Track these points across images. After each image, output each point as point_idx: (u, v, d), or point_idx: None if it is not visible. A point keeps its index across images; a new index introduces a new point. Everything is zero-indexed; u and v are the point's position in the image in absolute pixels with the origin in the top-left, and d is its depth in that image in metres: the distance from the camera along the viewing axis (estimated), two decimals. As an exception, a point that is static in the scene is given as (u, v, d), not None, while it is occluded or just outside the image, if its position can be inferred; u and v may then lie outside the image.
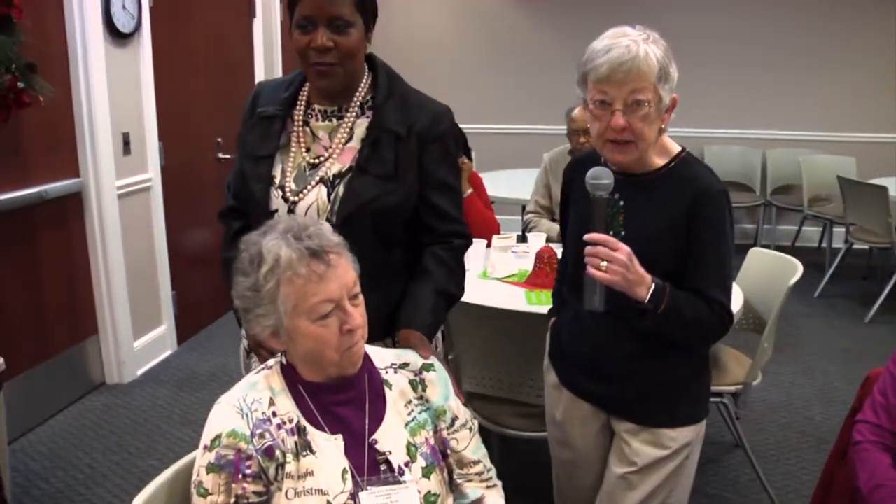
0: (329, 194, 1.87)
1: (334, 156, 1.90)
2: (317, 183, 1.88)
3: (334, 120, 1.93)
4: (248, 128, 1.99)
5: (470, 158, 3.93)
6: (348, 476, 1.51)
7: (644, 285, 1.74)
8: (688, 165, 1.87)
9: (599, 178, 1.76)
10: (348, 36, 1.81)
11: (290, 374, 1.58)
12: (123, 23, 4.15)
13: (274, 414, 1.52)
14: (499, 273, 3.23)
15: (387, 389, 1.64)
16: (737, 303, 2.91)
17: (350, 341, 1.52)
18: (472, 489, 1.70)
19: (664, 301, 1.75)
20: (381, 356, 1.68)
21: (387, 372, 1.66)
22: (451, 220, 1.98)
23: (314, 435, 1.53)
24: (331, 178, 1.89)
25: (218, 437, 1.47)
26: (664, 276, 1.78)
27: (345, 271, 1.52)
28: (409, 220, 1.96)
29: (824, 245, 6.59)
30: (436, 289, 1.93)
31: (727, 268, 1.86)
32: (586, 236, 1.75)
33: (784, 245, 6.84)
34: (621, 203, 1.87)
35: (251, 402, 1.52)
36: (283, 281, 1.47)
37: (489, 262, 3.31)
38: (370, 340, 1.67)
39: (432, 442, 1.64)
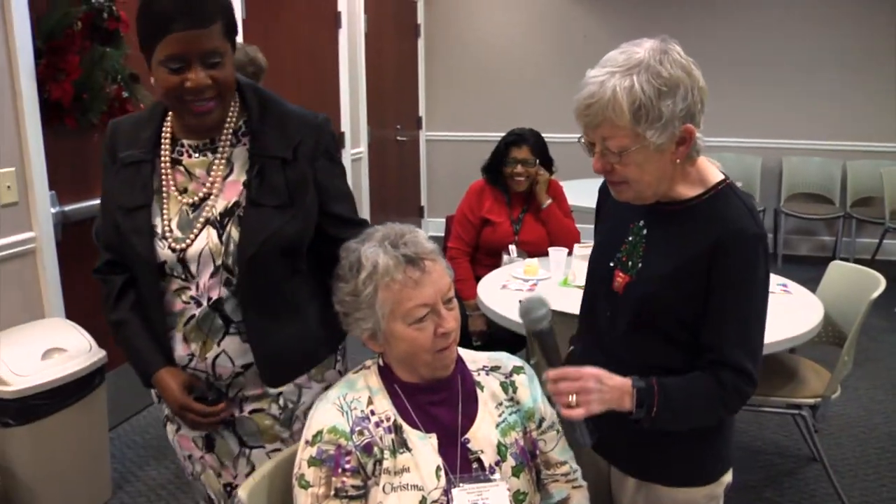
0: (220, 235, 1.73)
1: (215, 193, 1.74)
2: (203, 226, 1.73)
3: (208, 154, 1.76)
4: (111, 175, 1.78)
5: (551, 170, 3.96)
6: (442, 473, 1.60)
7: (626, 394, 1.57)
8: (723, 200, 1.62)
9: (530, 312, 1.61)
10: (223, 68, 1.64)
11: (386, 375, 1.68)
12: (218, 34, 4.32)
13: (372, 412, 1.61)
14: (580, 281, 3.27)
15: (479, 391, 1.71)
16: (817, 316, 2.93)
17: (444, 343, 1.61)
18: (559, 489, 1.76)
19: (654, 403, 1.56)
20: (474, 358, 1.76)
21: (479, 374, 1.74)
22: (353, 225, 1.87)
23: (410, 433, 1.61)
24: (218, 218, 1.73)
25: (319, 432, 1.58)
26: (676, 325, 1.63)
27: (440, 276, 1.61)
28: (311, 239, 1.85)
29: (907, 259, 6.46)
30: None
31: (753, 325, 1.62)
32: (544, 376, 1.59)
33: (863, 258, 6.72)
34: (644, 232, 1.69)
35: (350, 401, 1.62)
36: (380, 286, 1.58)
37: (570, 269, 3.37)
38: (290, 377, 1.86)
39: (522, 443, 1.70)
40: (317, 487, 1.56)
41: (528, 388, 1.76)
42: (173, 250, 1.73)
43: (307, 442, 1.59)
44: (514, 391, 1.74)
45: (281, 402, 1.87)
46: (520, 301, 1.63)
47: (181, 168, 1.76)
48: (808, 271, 5.03)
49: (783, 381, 3.15)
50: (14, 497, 2.99)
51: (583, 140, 1.61)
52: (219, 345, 1.79)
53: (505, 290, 3.31)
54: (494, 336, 3.73)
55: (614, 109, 1.49)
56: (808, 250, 7.16)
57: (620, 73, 1.49)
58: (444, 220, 4.10)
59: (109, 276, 1.85)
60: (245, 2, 4.64)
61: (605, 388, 1.55)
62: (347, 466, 1.56)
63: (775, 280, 3.35)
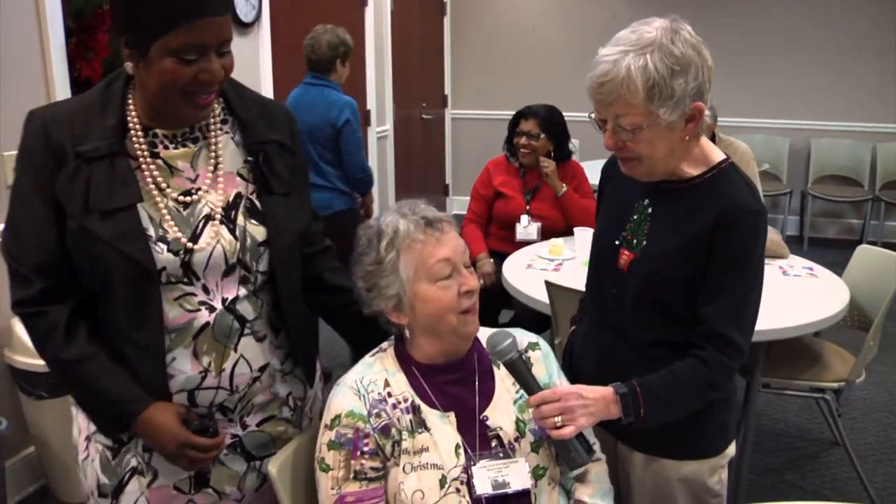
0: (232, 231, 1.59)
1: (205, 187, 1.58)
2: (204, 224, 1.57)
3: (189, 144, 1.58)
4: (63, 177, 1.48)
5: (564, 149, 3.99)
6: (461, 451, 1.62)
7: (611, 402, 1.61)
8: (724, 179, 1.67)
9: (496, 346, 1.63)
10: (230, 56, 1.51)
11: (403, 356, 1.70)
12: (245, 12, 4.36)
13: (389, 394, 1.63)
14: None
15: (495, 368, 1.73)
16: (842, 300, 2.93)
17: (468, 302, 1.62)
18: None
19: (640, 404, 1.62)
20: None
21: None
22: (317, 219, 1.83)
23: (428, 413, 1.63)
24: (222, 213, 1.59)
25: (337, 416, 1.60)
26: (680, 301, 1.67)
27: (457, 239, 1.66)
28: None
29: (937, 242, 6.40)
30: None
31: (747, 302, 1.66)
32: (525, 403, 1.64)
33: (892, 242, 6.67)
34: (649, 210, 1.73)
35: (367, 384, 1.64)
36: (402, 249, 1.61)
37: (595, 249, 3.37)
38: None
39: None
40: (336, 470, 1.59)
41: (544, 364, 1.77)
42: (175, 253, 1.53)
43: (326, 426, 1.62)
44: (530, 367, 1.75)
45: (291, 402, 1.80)
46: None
47: (160, 161, 1.55)
48: (835, 254, 5.01)
49: (807, 364, 3.15)
50: (48, 465, 3.09)
51: (593, 117, 1.64)
52: (236, 350, 1.64)
53: (530, 270, 3.33)
54: (520, 316, 3.75)
55: (628, 88, 1.52)
56: (835, 233, 7.11)
57: (634, 52, 1.52)
58: (468, 198, 4.15)
59: (45, 307, 1.53)
60: (272, -20, 4.64)
61: (588, 401, 1.60)
62: (366, 449, 1.58)
63: (801, 263, 3.35)
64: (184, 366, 1.59)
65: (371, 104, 6.04)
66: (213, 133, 1.60)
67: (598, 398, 1.61)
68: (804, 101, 6.84)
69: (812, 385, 3.09)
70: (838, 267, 3.42)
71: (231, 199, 1.60)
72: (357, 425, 1.58)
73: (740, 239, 1.61)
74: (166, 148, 1.56)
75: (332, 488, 1.59)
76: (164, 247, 1.52)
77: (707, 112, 1.60)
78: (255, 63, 4.57)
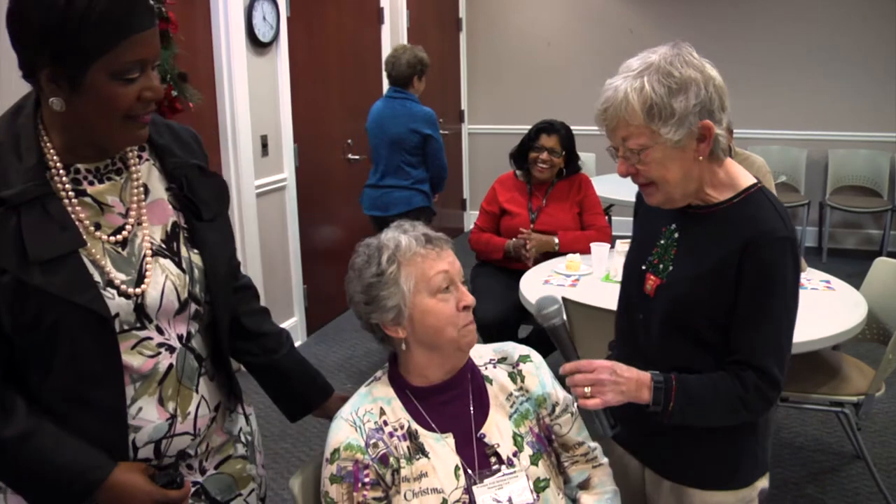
0: (178, 264, 1.49)
1: (133, 220, 1.44)
2: (141, 259, 1.44)
3: (114, 177, 1.44)
4: None
5: (575, 166, 4.05)
6: (461, 472, 1.64)
7: (644, 386, 1.62)
8: (753, 203, 1.66)
9: (542, 309, 1.66)
10: (155, 74, 1.38)
11: (397, 382, 1.72)
12: (263, 32, 4.41)
13: (385, 423, 1.66)
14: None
15: (488, 385, 1.76)
16: (860, 312, 2.92)
17: (466, 318, 1.66)
18: (580, 470, 1.79)
19: (672, 397, 1.61)
20: (480, 352, 1.80)
21: (486, 368, 1.79)
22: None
23: (426, 437, 1.66)
24: (163, 247, 1.48)
25: (336, 450, 1.62)
26: (707, 327, 1.66)
27: (453, 257, 1.70)
28: None
29: (957, 253, 6.36)
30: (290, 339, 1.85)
31: (780, 329, 1.64)
32: (561, 370, 1.65)
33: (913, 252, 6.64)
34: (676, 235, 1.73)
35: (363, 415, 1.67)
36: (403, 262, 1.64)
37: (612, 265, 3.39)
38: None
39: (537, 430, 1.75)
40: (341, 503, 1.61)
41: (536, 376, 1.79)
42: (127, 297, 1.40)
43: (327, 460, 1.64)
44: (523, 380, 1.78)
45: (243, 438, 1.73)
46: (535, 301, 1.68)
47: (87, 199, 1.40)
48: (854, 266, 4.98)
49: (826, 378, 3.14)
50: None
51: (608, 147, 1.67)
52: (197, 391, 1.54)
53: (547, 286, 3.35)
54: (536, 333, 3.77)
55: (626, 110, 1.56)
56: (854, 244, 7.07)
57: (632, 77, 1.57)
58: (484, 213, 4.20)
59: None
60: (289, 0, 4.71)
61: (620, 379, 1.60)
62: (367, 480, 1.61)
63: (818, 276, 3.35)
64: (150, 415, 1.46)
65: (388, 120, 6.08)
66: (132, 162, 1.46)
67: (632, 379, 1.61)
68: (821, 111, 6.82)
69: (831, 399, 3.08)
70: (858, 278, 3.42)
71: (169, 229, 1.49)
72: (356, 457, 1.61)
73: (770, 266, 1.60)
74: (91, 184, 1.41)
75: None
76: (114, 292, 1.39)
77: (718, 131, 1.59)
78: (273, 82, 4.63)
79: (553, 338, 1.68)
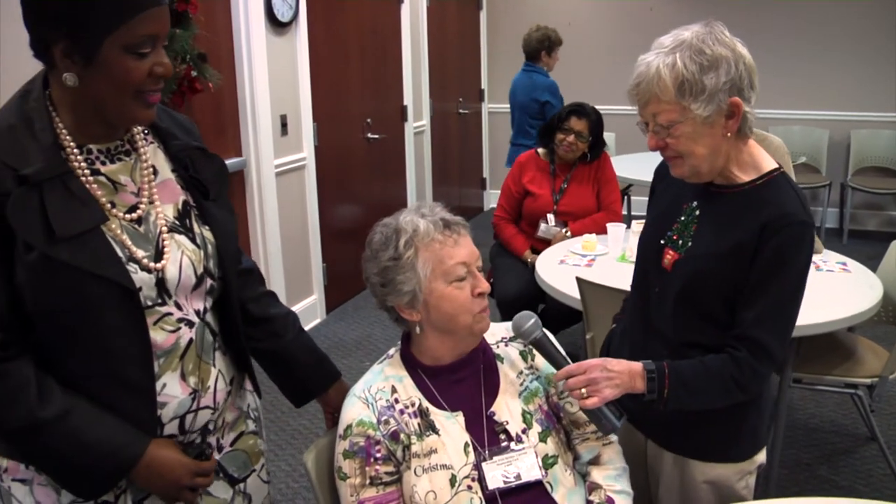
0: (192, 240, 1.52)
1: (146, 199, 1.47)
2: (158, 235, 1.47)
3: (124, 157, 1.47)
4: (15, 205, 1.31)
5: (600, 151, 4.07)
6: (470, 449, 1.68)
7: (637, 376, 1.67)
8: (775, 187, 1.69)
9: (522, 325, 1.72)
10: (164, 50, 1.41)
11: (409, 361, 1.76)
12: (282, 12, 4.43)
13: (396, 401, 1.70)
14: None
15: (499, 363, 1.79)
16: (876, 294, 2.92)
17: (481, 304, 1.69)
18: (590, 447, 1.81)
19: (665, 384, 1.67)
20: (492, 331, 1.81)
21: (498, 346, 1.81)
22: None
23: (436, 414, 1.70)
24: (177, 224, 1.51)
25: (349, 426, 1.67)
26: (720, 304, 1.70)
27: (471, 244, 1.71)
28: None
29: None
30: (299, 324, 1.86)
31: (785, 309, 1.68)
32: (553, 378, 1.73)
33: (935, 234, 6.58)
34: (697, 212, 1.77)
35: (375, 392, 1.71)
36: (421, 247, 1.66)
37: (628, 245, 3.40)
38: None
39: (546, 408, 1.77)
40: (353, 478, 1.65)
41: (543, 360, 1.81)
42: (148, 272, 1.42)
43: (340, 436, 1.68)
44: (533, 358, 1.81)
45: (252, 414, 1.77)
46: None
47: (102, 178, 1.43)
48: (875, 247, 4.95)
49: (840, 359, 3.14)
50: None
51: (638, 121, 1.71)
52: (214, 365, 1.58)
53: (563, 266, 3.36)
54: (551, 309, 3.79)
55: (658, 85, 1.59)
56: (875, 226, 7.02)
57: (665, 53, 1.60)
58: (504, 192, 4.22)
59: (2, 364, 1.36)
60: (309, -21, 4.72)
61: (612, 373, 1.66)
62: (378, 455, 1.64)
63: (835, 258, 3.35)
64: (174, 390, 1.49)
65: (408, 100, 6.11)
66: (140, 143, 1.50)
67: (624, 371, 1.67)
68: (843, 91, 6.75)
69: (845, 380, 3.09)
70: (878, 260, 3.41)
71: (180, 207, 1.53)
72: (368, 433, 1.65)
73: (785, 247, 1.63)
74: (104, 164, 1.44)
75: (352, 495, 1.65)
76: (136, 266, 1.41)
77: (747, 109, 1.64)
78: (292, 62, 4.65)
79: (538, 350, 1.75)
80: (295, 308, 4.81)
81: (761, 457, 1.87)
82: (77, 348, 1.40)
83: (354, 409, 1.68)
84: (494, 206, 4.41)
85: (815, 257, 3.26)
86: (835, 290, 3.00)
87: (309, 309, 5.01)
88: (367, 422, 1.65)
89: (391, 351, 1.81)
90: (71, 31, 1.30)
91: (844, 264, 3.27)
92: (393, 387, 1.71)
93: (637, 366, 1.69)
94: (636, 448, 1.93)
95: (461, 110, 7.35)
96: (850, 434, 3.64)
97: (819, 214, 6.82)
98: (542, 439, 1.72)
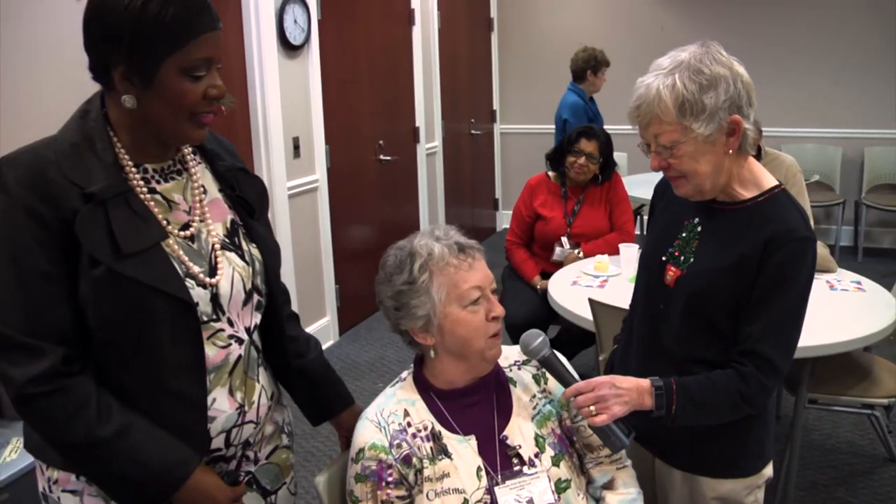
0: (242, 257, 1.58)
1: (198, 218, 1.53)
2: (210, 252, 1.53)
3: (176, 177, 1.53)
4: (84, 220, 1.35)
5: (611, 172, 4.06)
6: (483, 473, 1.67)
7: (645, 393, 1.68)
8: (777, 203, 1.72)
9: (530, 344, 1.72)
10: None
11: (421, 382, 1.75)
12: (294, 35, 4.46)
13: (409, 424, 1.69)
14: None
15: (511, 386, 1.78)
16: (892, 314, 2.89)
17: (495, 328, 1.68)
18: (603, 471, 1.80)
19: (673, 400, 1.67)
20: (505, 354, 1.81)
21: (511, 370, 1.81)
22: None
23: (449, 438, 1.69)
24: (228, 241, 1.57)
25: (361, 450, 1.66)
26: (723, 319, 1.71)
27: (486, 268, 1.71)
28: None
29: None
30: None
31: (788, 324, 1.70)
32: (561, 396, 1.73)
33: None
34: (699, 229, 1.78)
35: (387, 416, 1.70)
36: (435, 271, 1.66)
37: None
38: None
39: (559, 431, 1.76)
40: (365, 502, 1.65)
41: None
42: (204, 287, 1.48)
43: (352, 459, 1.68)
44: (546, 382, 1.80)
45: (286, 429, 1.81)
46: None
47: (158, 196, 1.49)
48: (890, 265, 4.95)
49: (857, 380, 3.11)
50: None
51: (639, 143, 1.73)
52: (258, 380, 1.64)
53: (576, 287, 3.35)
54: (565, 332, 3.78)
55: (659, 106, 1.61)
56: (890, 243, 6.97)
57: (664, 74, 1.63)
58: (516, 213, 4.22)
59: (68, 381, 1.39)
60: (319, 2, 4.76)
61: (621, 390, 1.66)
62: (390, 479, 1.64)
63: (849, 277, 3.32)
64: (223, 405, 1.54)
65: (420, 121, 6.13)
66: (190, 163, 1.56)
67: (633, 388, 1.67)
68: (856, 109, 6.73)
69: (862, 401, 3.06)
70: (894, 278, 3.38)
71: (228, 225, 1.59)
72: (380, 457, 1.64)
73: (788, 262, 1.65)
74: (158, 182, 1.50)
75: None
76: (193, 282, 1.47)
77: (747, 126, 1.65)
78: (304, 85, 4.68)
79: (547, 368, 1.75)
80: (308, 330, 4.80)
81: (768, 470, 1.88)
82: (134, 361, 1.44)
83: (367, 433, 1.67)
84: (507, 226, 4.41)
85: (829, 276, 3.29)
86: (850, 310, 2.98)
87: (322, 331, 5.01)
88: (379, 445, 1.65)
89: (404, 374, 1.81)
90: (130, 54, 1.36)
91: (859, 283, 3.25)
92: (405, 410, 1.71)
93: (645, 382, 1.69)
94: (643, 466, 1.93)
95: (473, 131, 7.37)
96: (868, 455, 3.60)
97: (833, 232, 6.79)
98: (555, 463, 1.71)
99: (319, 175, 4.87)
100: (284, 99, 4.45)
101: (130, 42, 1.35)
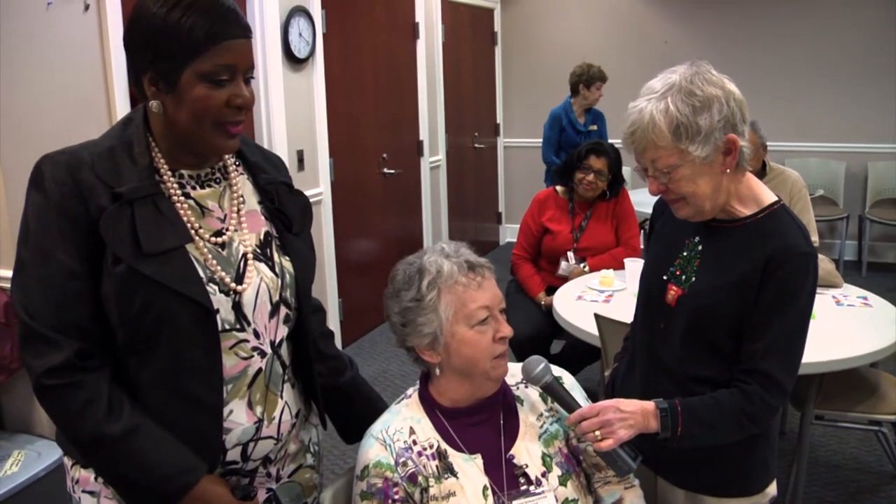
0: (272, 268, 1.57)
1: (233, 226, 1.54)
2: (245, 263, 1.53)
3: (213, 185, 1.54)
4: (109, 219, 1.38)
5: (618, 188, 4.05)
6: (489, 493, 1.65)
7: (650, 416, 1.66)
8: (777, 220, 1.70)
9: (532, 371, 1.71)
10: (250, 85, 1.47)
11: (427, 402, 1.73)
12: (299, 49, 4.47)
13: (414, 442, 1.67)
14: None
15: (518, 405, 1.76)
16: (897, 331, 2.88)
17: (501, 348, 1.66)
18: (611, 491, 1.78)
19: (679, 422, 1.65)
20: (512, 372, 1.79)
21: (518, 388, 1.79)
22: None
23: (455, 457, 1.67)
24: (259, 252, 1.57)
25: (366, 467, 1.64)
26: (726, 338, 1.70)
27: (495, 287, 1.69)
28: None
29: None
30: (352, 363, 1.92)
31: (792, 342, 1.68)
32: (566, 422, 1.71)
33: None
34: (700, 247, 1.77)
35: (393, 433, 1.68)
36: (444, 290, 1.64)
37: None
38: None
39: (566, 451, 1.75)
40: None
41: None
42: (227, 294, 1.48)
43: (357, 477, 1.66)
44: (553, 400, 1.78)
45: (312, 449, 1.80)
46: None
47: (191, 202, 1.50)
48: (895, 280, 4.93)
49: (863, 396, 3.10)
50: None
51: (635, 167, 1.72)
52: (282, 396, 1.61)
53: (581, 302, 3.34)
54: (570, 347, 3.76)
55: (654, 132, 1.60)
56: (894, 258, 6.96)
57: (656, 98, 1.61)
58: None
59: (81, 376, 1.40)
60: (324, 16, 4.77)
61: (625, 414, 1.64)
62: (396, 497, 1.62)
63: (855, 292, 3.31)
64: (240, 417, 1.53)
65: (424, 135, 6.13)
66: (232, 173, 1.57)
67: (637, 411, 1.66)
68: (860, 123, 6.73)
69: (869, 417, 3.04)
70: (899, 293, 3.37)
71: (262, 237, 1.59)
72: (385, 475, 1.62)
73: (790, 279, 1.64)
74: (194, 188, 1.52)
75: None
76: (216, 287, 1.46)
77: (743, 143, 1.64)
78: (309, 98, 4.68)
79: (549, 394, 1.73)
80: (311, 343, 4.80)
81: (772, 489, 1.86)
82: (153, 361, 1.45)
83: (372, 450, 1.66)
84: (510, 240, 4.40)
85: (835, 291, 3.28)
86: (856, 326, 2.96)
87: (325, 344, 4.98)
88: (384, 463, 1.63)
89: (409, 391, 1.80)
90: (155, 60, 1.39)
91: (865, 298, 3.24)
92: (411, 428, 1.69)
93: (650, 405, 1.67)
94: (646, 485, 1.91)
95: (477, 145, 7.37)
96: (875, 471, 3.58)
97: (837, 247, 6.77)
98: (563, 482, 1.69)
99: (323, 188, 4.87)
100: (289, 112, 4.45)
101: (155, 48, 1.38)
